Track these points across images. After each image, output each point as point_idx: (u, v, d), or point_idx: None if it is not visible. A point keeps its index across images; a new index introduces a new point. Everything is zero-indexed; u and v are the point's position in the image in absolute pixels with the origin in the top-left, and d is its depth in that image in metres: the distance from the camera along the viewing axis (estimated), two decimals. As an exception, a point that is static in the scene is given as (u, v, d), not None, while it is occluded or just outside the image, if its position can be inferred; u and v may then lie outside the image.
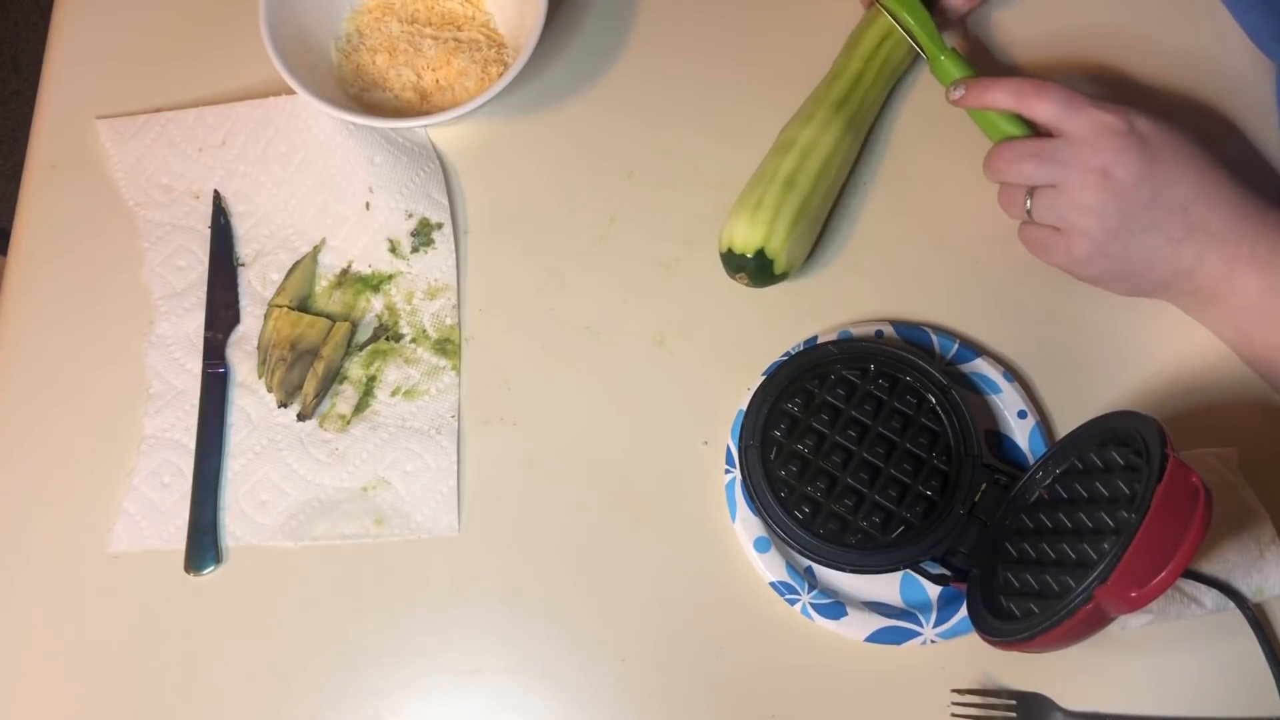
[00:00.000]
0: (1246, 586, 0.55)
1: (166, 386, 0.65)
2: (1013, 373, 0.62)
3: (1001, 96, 0.59)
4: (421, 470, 0.62)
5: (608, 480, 0.62)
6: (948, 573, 0.57)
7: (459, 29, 0.72)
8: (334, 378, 0.65)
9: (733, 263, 0.62)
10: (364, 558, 0.61)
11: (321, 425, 0.64)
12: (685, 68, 0.70)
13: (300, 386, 0.64)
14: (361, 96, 0.70)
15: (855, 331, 0.63)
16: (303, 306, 0.66)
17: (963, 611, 0.56)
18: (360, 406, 0.64)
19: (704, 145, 0.68)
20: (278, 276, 0.67)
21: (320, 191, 0.68)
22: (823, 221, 0.64)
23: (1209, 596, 0.55)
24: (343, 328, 0.65)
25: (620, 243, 0.67)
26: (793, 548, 0.57)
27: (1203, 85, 0.68)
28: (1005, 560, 0.55)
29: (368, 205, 0.67)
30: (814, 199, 0.62)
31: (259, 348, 0.65)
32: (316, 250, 0.67)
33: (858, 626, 0.57)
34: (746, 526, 0.59)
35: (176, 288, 0.67)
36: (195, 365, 0.65)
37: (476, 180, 0.69)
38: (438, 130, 0.70)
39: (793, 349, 0.63)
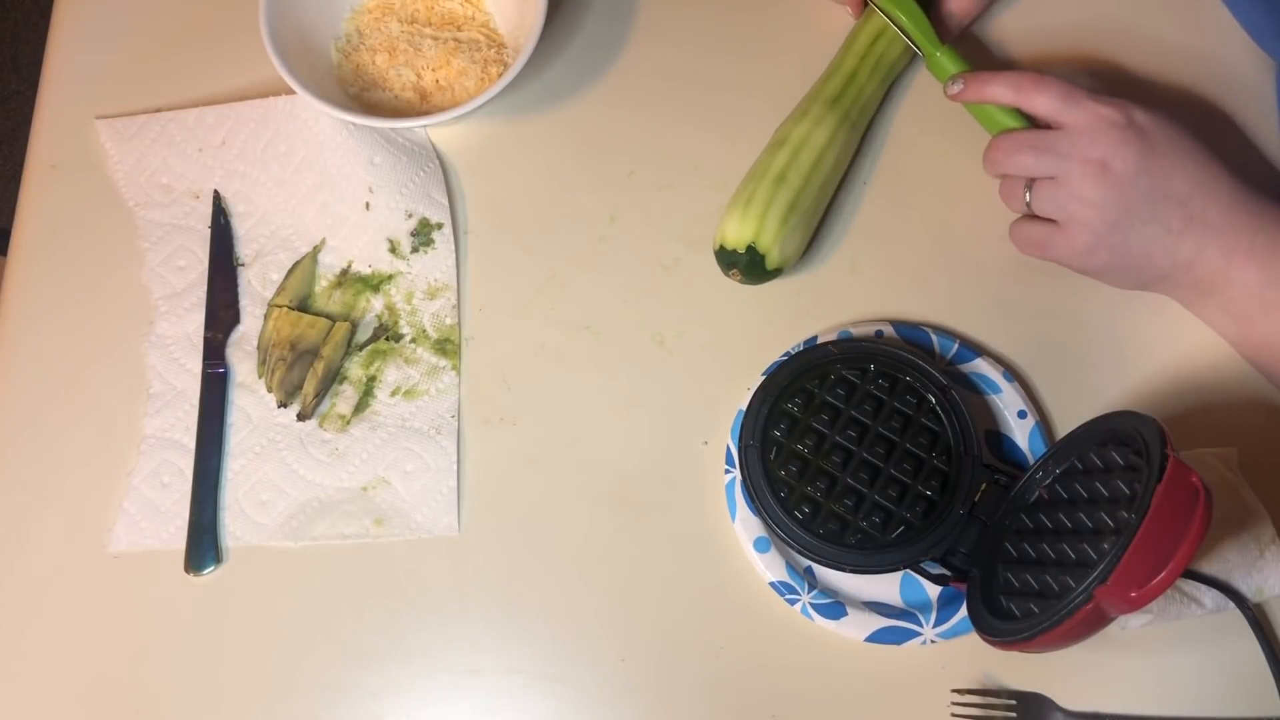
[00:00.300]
0: (1246, 586, 0.55)
1: (166, 386, 0.65)
2: (1013, 373, 0.62)
3: (1000, 90, 0.59)
4: (421, 470, 0.62)
5: (608, 480, 0.62)
6: (948, 573, 0.57)
7: (459, 29, 0.72)
8: (334, 378, 0.65)
9: (725, 259, 0.62)
10: (364, 558, 0.61)
11: (321, 425, 0.64)
12: (685, 67, 0.70)
13: (300, 386, 0.64)
14: (361, 96, 0.70)
15: (855, 331, 0.63)
16: (303, 306, 0.66)
17: (963, 611, 0.57)
18: (360, 406, 0.64)
19: (704, 145, 0.68)
20: (278, 276, 0.67)
21: (320, 191, 0.68)
22: (818, 218, 0.64)
23: (1209, 596, 0.55)
24: (343, 328, 0.65)
25: (620, 243, 0.67)
26: (793, 548, 0.57)
27: (1202, 83, 0.68)
28: (1005, 560, 0.55)
29: (368, 205, 0.67)
30: (806, 194, 0.62)
31: (259, 348, 0.65)
32: (316, 250, 0.67)
33: (858, 626, 0.57)
34: (746, 526, 0.59)
35: (176, 288, 0.67)
36: (195, 365, 0.65)
37: (476, 180, 0.69)
38: (438, 130, 0.70)
39: (793, 349, 0.63)
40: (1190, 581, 0.55)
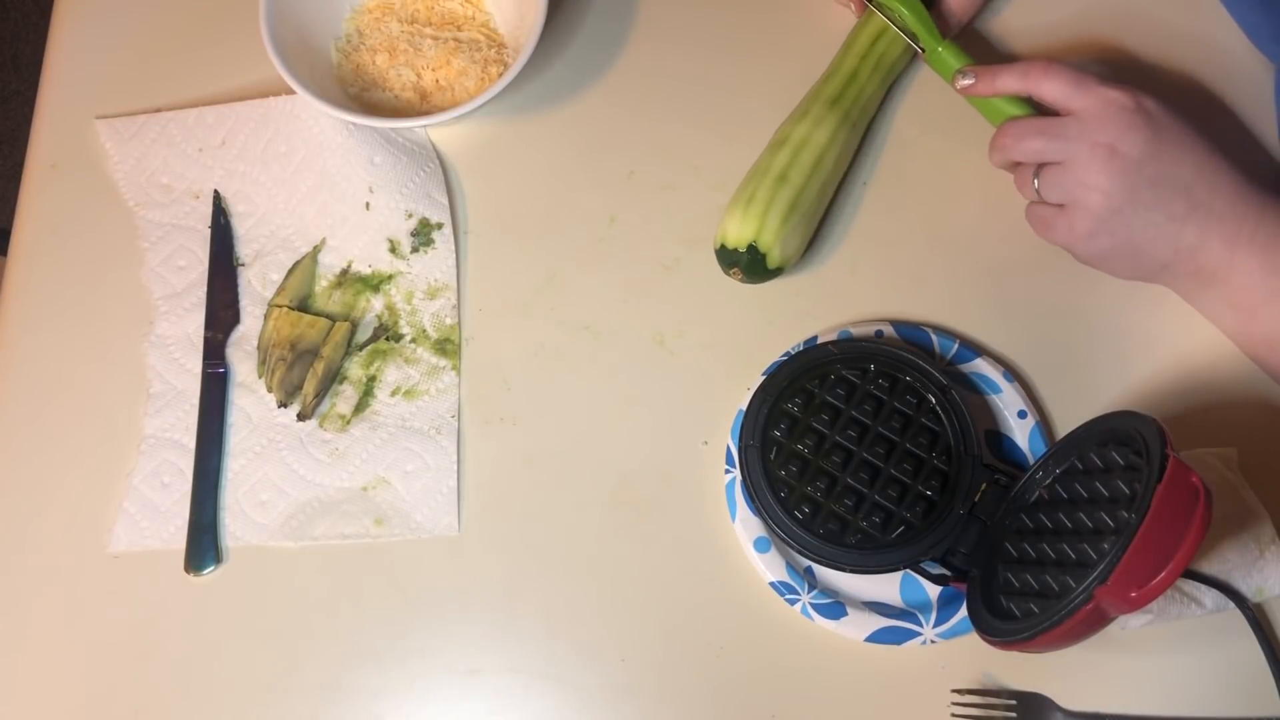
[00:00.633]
0: (1246, 586, 0.55)
1: (166, 386, 0.65)
2: (1013, 373, 0.62)
3: (1010, 79, 0.59)
4: (421, 470, 0.62)
5: (608, 480, 0.62)
6: (948, 573, 0.57)
7: (459, 29, 0.72)
8: (334, 378, 0.65)
9: (726, 258, 0.62)
10: (364, 558, 0.61)
11: (321, 425, 0.64)
12: (685, 67, 0.70)
13: (300, 386, 0.64)
14: (361, 96, 0.70)
15: (855, 331, 0.63)
16: (303, 306, 0.66)
17: (963, 611, 0.57)
18: (360, 406, 0.64)
19: (704, 145, 0.68)
20: (278, 276, 0.67)
21: (320, 191, 0.68)
22: (819, 217, 0.64)
23: (1209, 596, 0.55)
24: (343, 328, 0.65)
25: (620, 243, 0.67)
26: (793, 548, 0.57)
27: (1201, 85, 0.68)
28: (1005, 560, 0.55)
29: (368, 205, 0.67)
30: (808, 193, 0.62)
31: (259, 348, 0.65)
32: (316, 250, 0.67)
33: (858, 626, 0.57)
34: (746, 526, 0.59)
35: (176, 288, 0.67)
36: (195, 365, 0.65)
37: (476, 180, 0.69)
38: (438, 130, 0.70)
39: (793, 349, 0.63)
40: (1190, 581, 0.55)
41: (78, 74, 0.73)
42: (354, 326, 0.66)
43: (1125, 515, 0.49)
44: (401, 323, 0.66)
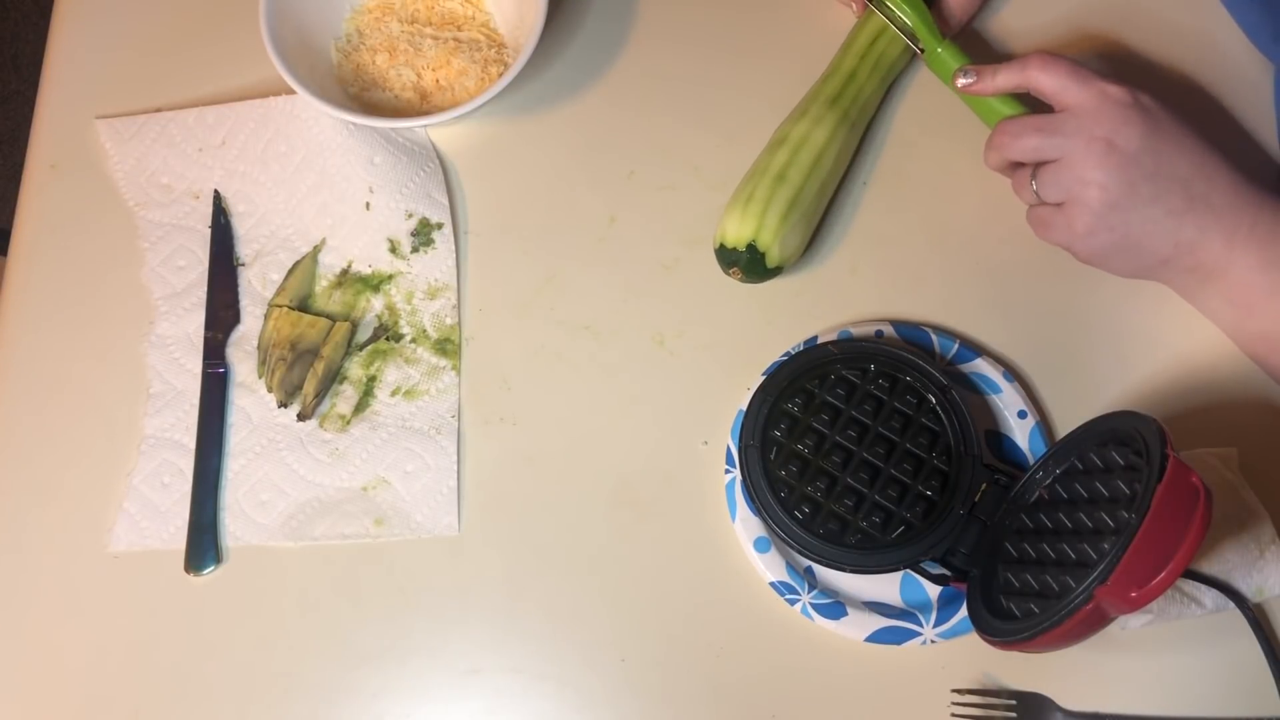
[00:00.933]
0: (1246, 586, 0.55)
1: (166, 386, 0.65)
2: (1013, 373, 0.62)
3: (1009, 75, 0.59)
4: (421, 470, 0.62)
5: (608, 480, 0.62)
6: (948, 573, 0.57)
7: (459, 29, 0.72)
8: (334, 378, 0.65)
9: (726, 257, 0.62)
10: (364, 558, 0.61)
11: (321, 425, 0.64)
12: (685, 67, 0.70)
13: (300, 386, 0.64)
14: (361, 96, 0.70)
15: (855, 331, 0.63)
16: (303, 306, 0.66)
17: (963, 611, 0.57)
18: (360, 406, 0.64)
19: (704, 145, 0.68)
20: (278, 276, 0.67)
21: (320, 191, 0.68)
22: (819, 216, 0.64)
23: (1209, 596, 0.55)
24: (343, 328, 0.65)
25: (620, 243, 0.67)
26: (793, 548, 0.57)
27: (1201, 84, 0.68)
28: (1005, 560, 0.55)
29: (368, 205, 0.67)
30: (807, 193, 0.62)
31: (259, 348, 0.65)
32: (316, 250, 0.67)
33: (858, 626, 0.57)
34: (746, 526, 0.59)
35: (176, 288, 0.67)
36: (195, 365, 0.65)
37: (476, 180, 0.69)
38: (438, 130, 0.70)
39: (793, 349, 0.63)
40: (1190, 581, 0.55)
41: (78, 74, 0.73)
42: (354, 326, 0.66)
43: (1125, 515, 0.49)
44: (401, 323, 0.66)
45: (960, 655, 0.58)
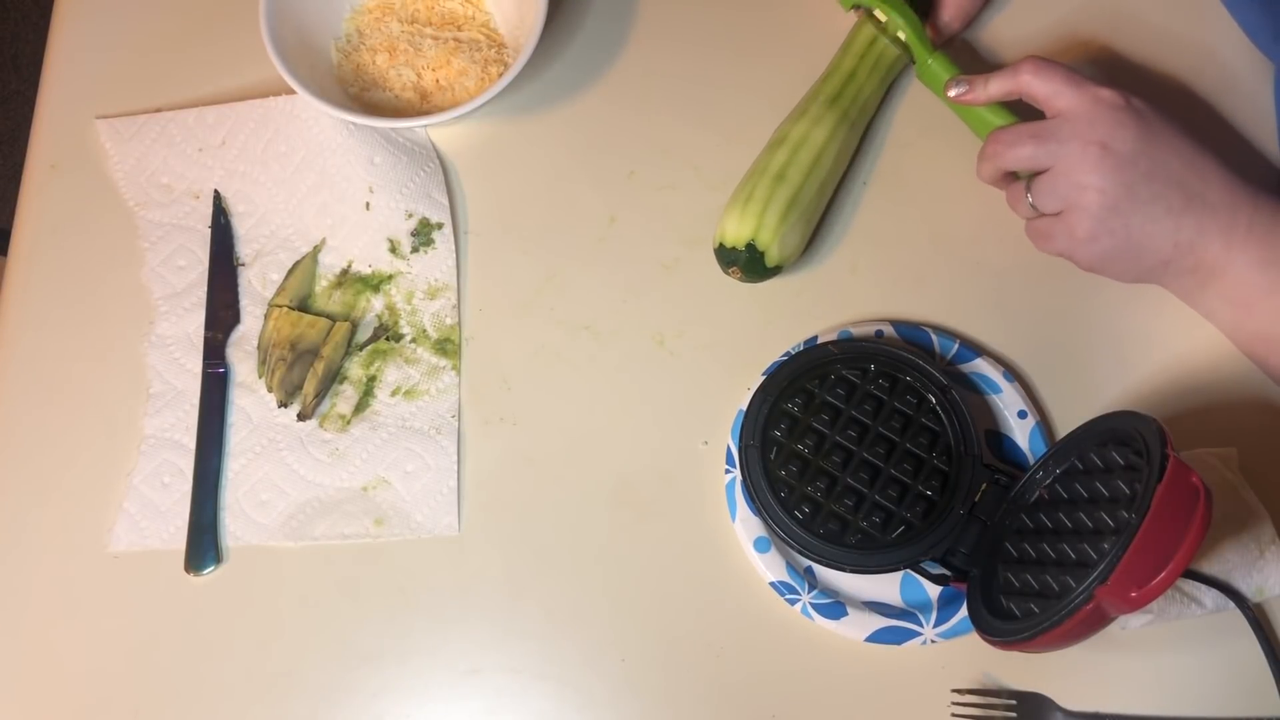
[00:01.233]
0: (1246, 586, 0.55)
1: (166, 386, 0.65)
2: (1013, 373, 0.62)
3: (1002, 82, 0.59)
4: (422, 470, 0.62)
5: (608, 480, 0.62)
6: (948, 573, 0.57)
7: (459, 29, 0.72)
8: (334, 378, 0.65)
9: (725, 257, 0.62)
10: (364, 558, 0.61)
11: (321, 425, 0.64)
12: (685, 67, 0.71)
13: (300, 386, 0.64)
14: (361, 96, 0.70)
15: (855, 331, 0.63)
16: (303, 306, 0.66)
17: (963, 611, 0.57)
18: (360, 406, 0.64)
19: (704, 145, 0.68)
20: (278, 276, 0.67)
21: (320, 191, 0.68)
22: (818, 216, 0.64)
23: (1209, 596, 0.55)
24: (343, 328, 0.65)
25: (620, 243, 0.67)
26: (793, 548, 0.57)
27: (1200, 85, 0.68)
28: (1005, 560, 0.55)
29: (368, 205, 0.67)
30: (806, 192, 0.62)
31: (259, 348, 0.65)
32: (316, 250, 0.67)
33: (858, 626, 0.57)
34: (746, 526, 0.59)
35: (176, 288, 0.67)
36: (195, 365, 0.65)
37: (476, 180, 0.69)
38: (438, 130, 0.70)
39: (793, 349, 0.63)
40: (1190, 581, 0.55)
41: (78, 74, 0.73)
42: (354, 326, 0.66)
43: (1125, 515, 0.49)
44: (401, 323, 0.66)
45: (960, 655, 0.58)
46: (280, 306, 0.66)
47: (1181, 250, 0.57)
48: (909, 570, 0.57)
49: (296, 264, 0.67)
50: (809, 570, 0.59)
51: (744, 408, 0.60)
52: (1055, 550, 0.52)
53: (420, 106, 0.70)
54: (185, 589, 0.61)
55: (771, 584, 0.59)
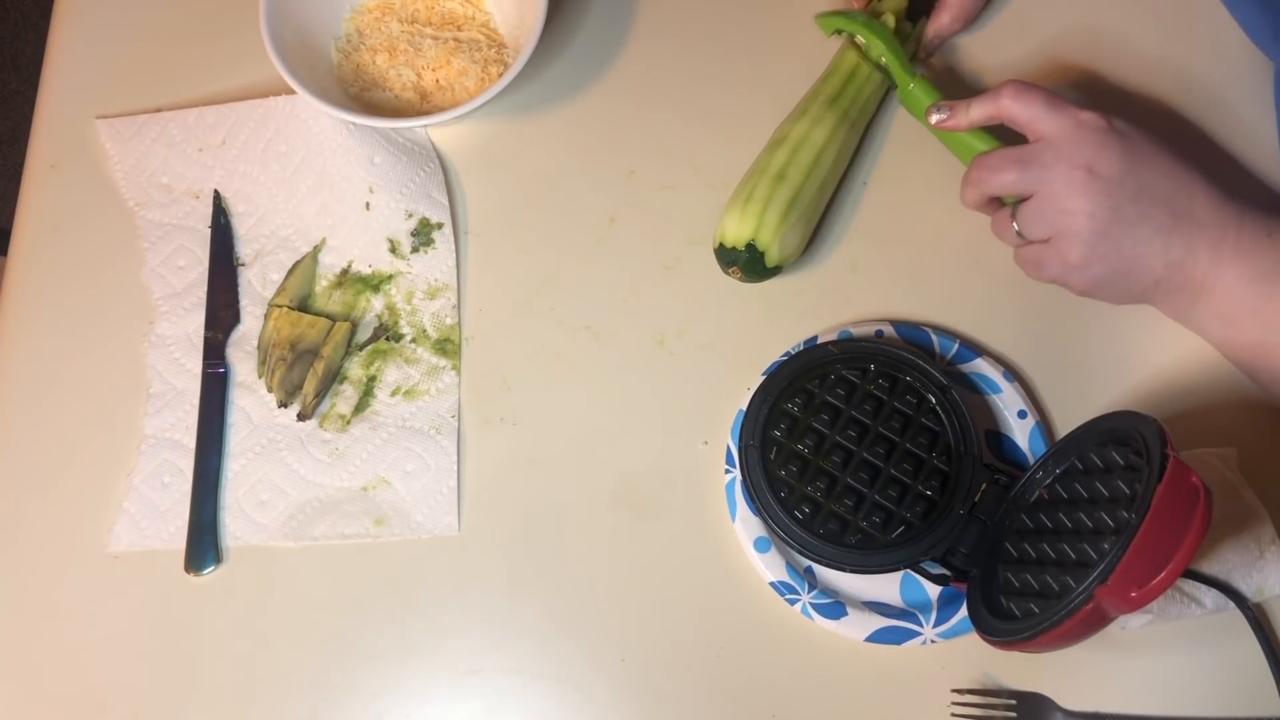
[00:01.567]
0: (1246, 586, 0.55)
1: (166, 386, 0.65)
2: (1013, 373, 0.62)
3: (982, 107, 0.59)
4: (421, 470, 0.62)
5: (608, 480, 0.62)
6: (948, 573, 0.57)
7: (459, 29, 0.72)
8: (334, 378, 0.65)
9: (725, 257, 0.62)
10: (364, 558, 0.61)
11: (321, 425, 0.64)
12: (685, 67, 0.71)
13: (300, 386, 0.64)
14: (361, 96, 0.70)
15: (855, 331, 0.63)
16: (303, 306, 0.66)
17: (963, 611, 0.57)
18: (360, 406, 0.64)
19: (704, 145, 0.68)
20: (278, 276, 0.67)
21: (320, 191, 0.68)
22: (818, 215, 0.64)
23: (1209, 596, 0.55)
24: (343, 328, 0.65)
25: (620, 243, 0.67)
26: (793, 548, 0.57)
27: (1200, 85, 0.68)
28: (1005, 560, 0.55)
29: (368, 205, 0.67)
30: (806, 192, 0.62)
31: (259, 348, 0.65)
32: (316, 250, 0.67)
33: (858, 626, 0.57)
34: (746, 526, 0.59)
35: (176, 288, 0.67)
36: (195, 365, 0.65)
37: (476, 180, 0.69)
38: (438, 130, 0.70)
39: (793, 349, 0.63)
40: (1190, 581, 0.55)
41: (78, 74, 0.73)
42: (354, 326, 0.66)
43: (1125, 515, 0.49)
44: (401, 323, 0.66)
45: (960, 655, 0.58)
46: (280, 306, 0.66)
47: (1172, 269, 0.57)
48: (909, 570, 0.57)
49: (296, 264, 0.67)
50: (809, 570, 0.59)
51: (744, 408, 0.60)
52: (1055, 550, 0.52)
53: (420, 106, 0.70)
54: (185, 589, 0.61)
55: (771, 584, 0.59)
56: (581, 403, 0.64)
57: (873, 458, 0.57)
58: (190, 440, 0.63)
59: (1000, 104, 0.58)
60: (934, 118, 0.61)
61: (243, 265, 0.68)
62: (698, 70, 0.70)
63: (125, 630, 0.61)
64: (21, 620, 0.61)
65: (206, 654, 0.60)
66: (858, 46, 0.65)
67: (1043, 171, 0.56)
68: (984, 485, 0.56)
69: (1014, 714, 0.56)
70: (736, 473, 0.60)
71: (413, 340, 0.65)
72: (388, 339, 0.66)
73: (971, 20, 0.69)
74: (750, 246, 0.61)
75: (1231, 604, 0.55)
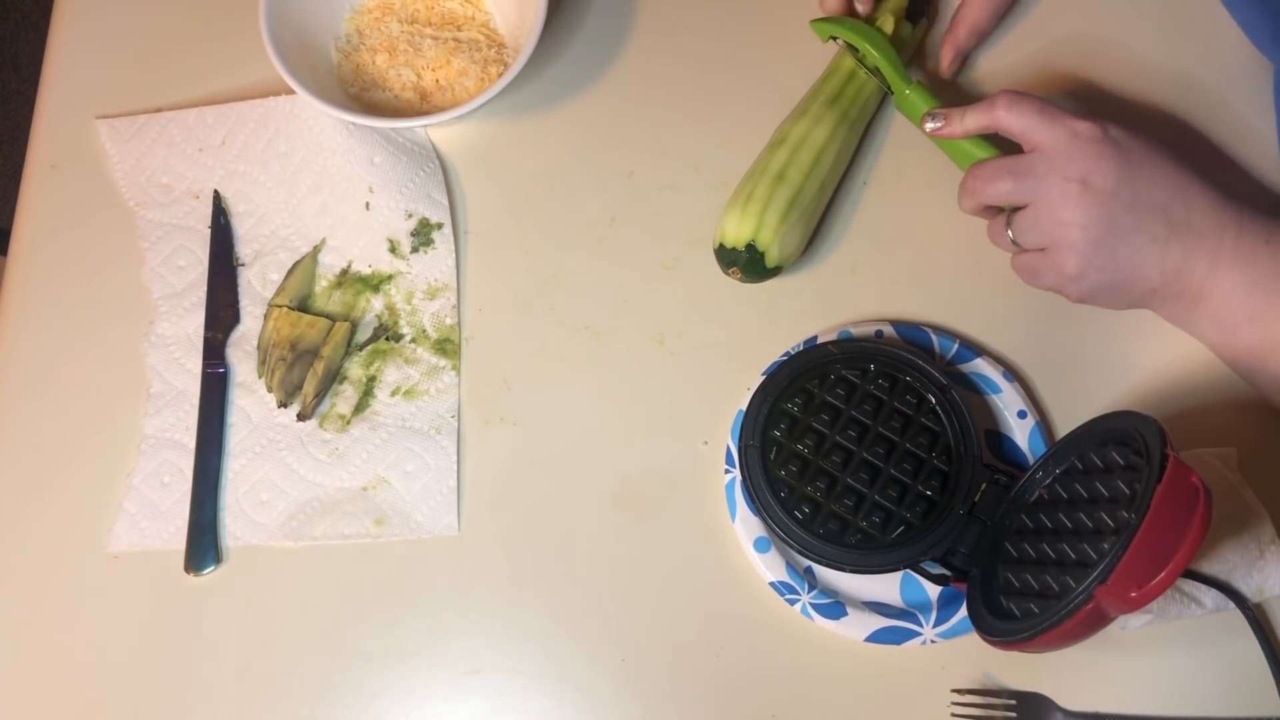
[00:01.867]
0: (1246, 586, 0.55)
1: (166, 386, 0.65)
2: (1013, 373, 0.62)
3: (977, 117, 0.59)
4: (421, 470, 0.62)
5: (608, 480, 0.62)
6: (948, 573, 0.57)
7: (459, 29, 0.72)
8: (334, 378, 0.65)
9: (725, 257, 0.62)
10: (364, 558, 0.61)
11: (321, 425, 0.64)
12: (685, 68, 0.71)
13: (300, 386, 0.64)
14: (361, 96, 0.70)
15: (855, 331, 0.63)
16: (303, 306, 0.66)
17: (963, 611, 0.57)
18: (360, 406, 0.64)
19: (704, 145, 0.68)
20: (278, 276, 0.67)
21: (320, 191, 0.68)
22: (818, 216, 0.64)
23: (1209, 596, 0.55)
24: (343, 328, 0.65)
25: (620, 243, 0.67)
26: (793, 548, 0.57)
27: (1199, 86, 0.68)
28: (1005, 560, 0.55)
29: (368, 205, 0.67)
30: (806, 192, 0.62)
31: (259, 348, 0.65)
32: (316, 250, 0.67)
33: (858, 626, 0.57)
34: (746, 526, 0.59)
35: (176, 288, 0.67)
36: (195, 365, 0.65)
37: (476, 180, 0.69)
38: (438, 130, 0.70)
39: (793, 349, 0.63)
40: (1190, 581, 0.55)
41: (78, 74, 0.73)
42: (354, 326, 0.66)
43: (1125, 515, 0.49)
44: (401, 323, 0.66)
45: (960, 655, 0.58)
46: (280, 306, 0.66)
47: (1169, 278, 0.57)
48: (909, 570, 0.57)
49: (296, 264, 0.67)
50: (809, 570, 0.59)
51: (744, 408, 0.60)
52: (1055, 550, 0.52)
53: (420, 106, 0.70)
54: (185, 589, 0.61)
55: (771, 584, 0.59)
56: (581, 403, 0.64)
57: (873, 458, 0.57)
58: (190, 440, 0.63)
59: (995, 114, 0.57)
60: (929, 126, 0.61)
61: (243, 265, 0.68)
62: (698, 70, 0.70)
63: (125, 630, 0.61)
64: (21, 620, 0.61)
65: (206, 654, 0.60)
66: (853, 52, 0.65)
67: (1037, 182, 0.56)
68: (984, 485, 0.56)
69: (1014, 714, 0.56)
70: (736, 473, 0.60)
71: (413, 340, 0.65)
72: (388, 339, 0.66)
73: (986, 34, 0.68)
74: (750, 247, 0.61)
75: (1231, 604, 0.55)
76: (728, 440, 0.62)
